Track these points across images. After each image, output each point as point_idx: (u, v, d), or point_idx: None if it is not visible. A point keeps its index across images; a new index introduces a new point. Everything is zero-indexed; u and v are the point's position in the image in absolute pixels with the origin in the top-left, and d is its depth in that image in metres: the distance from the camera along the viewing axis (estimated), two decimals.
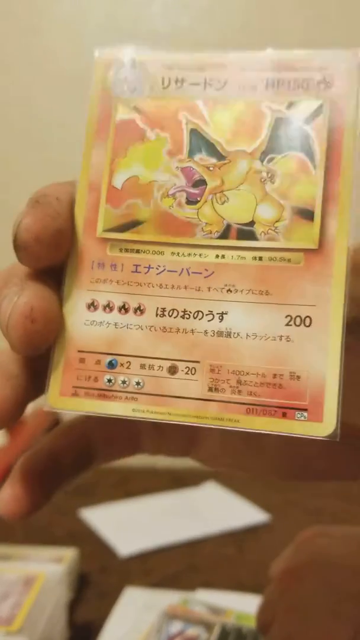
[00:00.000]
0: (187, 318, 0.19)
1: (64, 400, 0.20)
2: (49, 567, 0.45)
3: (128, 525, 0.61)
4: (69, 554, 0.49)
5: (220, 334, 0.19)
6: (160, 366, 0.19)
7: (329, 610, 0.31)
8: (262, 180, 0.20)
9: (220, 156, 0.20)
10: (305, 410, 0.18)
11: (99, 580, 0.52)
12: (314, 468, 0.25)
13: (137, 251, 0.20)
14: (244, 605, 0.42)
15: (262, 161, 0.20)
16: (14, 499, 0.22)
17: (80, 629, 0.45)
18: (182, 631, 0.40)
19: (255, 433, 0.19)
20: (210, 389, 0.19)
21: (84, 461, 0.25)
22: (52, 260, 0.20)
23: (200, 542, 0.58)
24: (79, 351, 0.20)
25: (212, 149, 0.20)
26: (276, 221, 0.20)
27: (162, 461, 0.71)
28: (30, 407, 0.21)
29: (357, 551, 0.33)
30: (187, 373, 0.19)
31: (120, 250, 0.20)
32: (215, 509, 0.64)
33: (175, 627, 0.40)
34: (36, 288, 0.19)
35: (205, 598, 0.45)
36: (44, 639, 0.39)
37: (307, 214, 0.19)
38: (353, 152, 0.19)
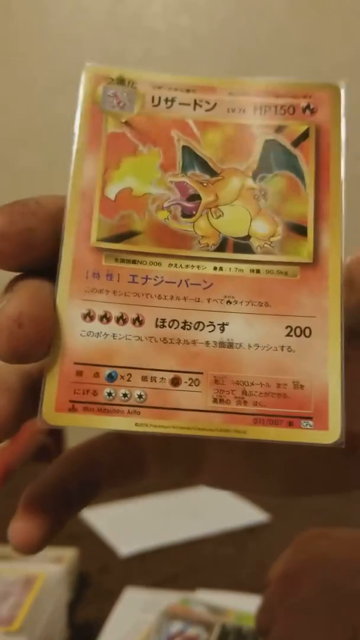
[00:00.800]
0: (187, 329, 0.19)
1: (60, 416, 0.19)
2: (49, 567, 0.45)
3: (128, 525, 0.62)
4: (69, 554, 0.50)
5: (222, 344, 0.19)
6: (162, 378, 0.19)
7: (328, 611, 0.31)
8: (256, 197, 0.20)
9: (213, 172, 0.21)
10: (311, 418, 0.18)
11: (99, 580, 0.52)
12: (318, 482, 0.25)
13: (134, 262, 0.20)
14: (244, 605, 0.42)
15: (254, 179, 0.21)
16: (25, 532, 0.21)
17: (80, 629, 0.45)
18: (182, 631, 0.40)
19: (262, 443, 0.18)
20: (215, 400, 0.19)
21: (90, 488, 0.24)
22: (22, 259, 0.19)
23: (200, 542, 0.58)
24: (75, 363, 0.19)
25: (204, 165, 0.21)
26: (271, 236, 0.20)
27: None
28: None
29: (356, 553, 0.33)
30: (190, 384, 0.19)
31: (116, 260, 0.20)
32: (215, 509, 0.64)
33: (175, 627, 0.41)
34: (28, 293, 0.19)
35: (205, 598, 0.45)
36: (44, 639, 0.39)
37: (300, 230, 0.20)
38: (340, 172, 0.20)
